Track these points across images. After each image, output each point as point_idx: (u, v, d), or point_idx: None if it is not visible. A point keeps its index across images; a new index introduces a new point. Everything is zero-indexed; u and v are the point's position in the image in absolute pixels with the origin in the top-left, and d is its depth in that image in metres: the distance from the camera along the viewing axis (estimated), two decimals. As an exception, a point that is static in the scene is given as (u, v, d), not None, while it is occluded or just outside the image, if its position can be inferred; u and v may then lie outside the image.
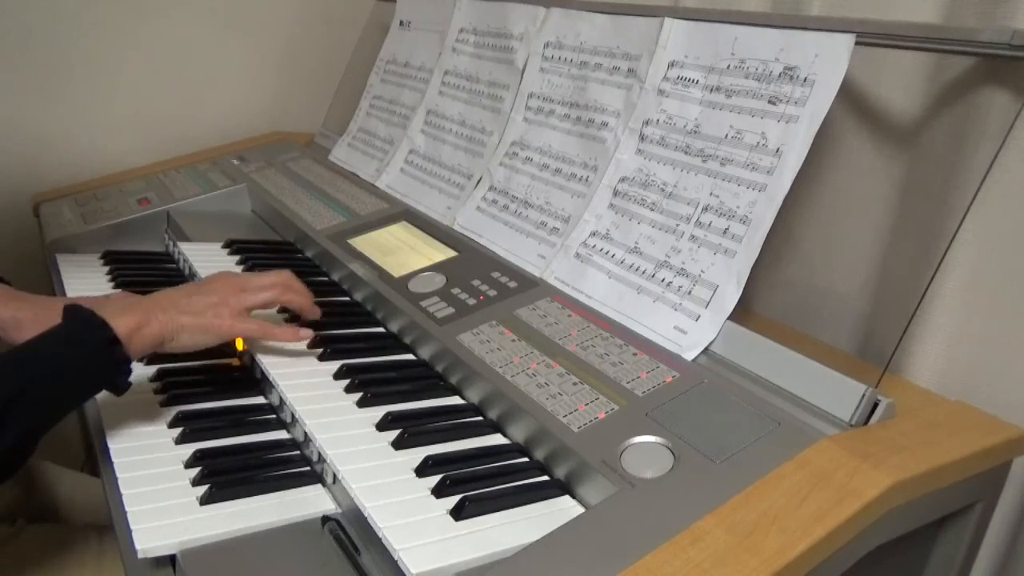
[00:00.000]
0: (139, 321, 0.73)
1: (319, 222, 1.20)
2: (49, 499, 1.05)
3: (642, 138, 0.93)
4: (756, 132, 0.82)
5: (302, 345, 0.88)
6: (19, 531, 0.90)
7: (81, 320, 0.70)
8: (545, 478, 0.70)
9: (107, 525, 0.83)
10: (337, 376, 0.84)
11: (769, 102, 0.82)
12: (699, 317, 0.81)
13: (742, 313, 0.80)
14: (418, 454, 0.71)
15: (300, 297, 0.88)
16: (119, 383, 0.72)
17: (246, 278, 0.85)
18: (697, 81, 0.89)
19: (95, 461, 0.77)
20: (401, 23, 1.43)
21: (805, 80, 0.79)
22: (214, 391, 0.85)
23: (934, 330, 0.84)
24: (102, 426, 0.77)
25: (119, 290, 1.03)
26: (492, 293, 0.93)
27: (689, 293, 0.82)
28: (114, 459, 0.72)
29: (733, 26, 0.87)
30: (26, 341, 0.69)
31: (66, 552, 0.86)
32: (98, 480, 0.75)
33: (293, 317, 0.94)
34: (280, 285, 0.86)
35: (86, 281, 1.11)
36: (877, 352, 0.89)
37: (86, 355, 0.69)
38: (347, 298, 1.05)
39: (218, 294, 0.81)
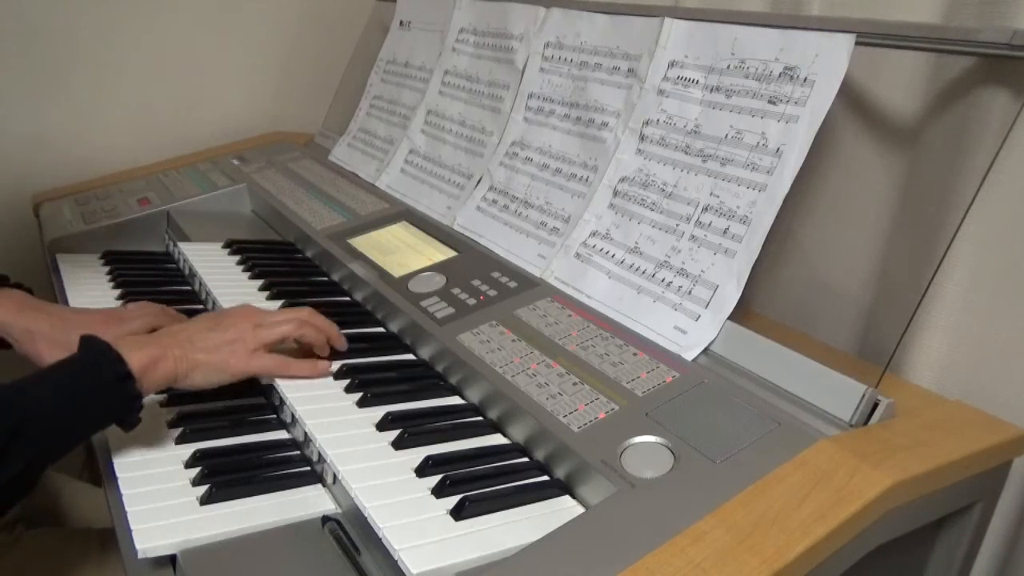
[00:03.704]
0: (154, 356, 0.72)
1: (319, 222, 1.20)
2: (50, 502, 1.04)
3: (642, 138, 0.93)
4: (756, 132, 0.82)
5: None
6: (18, 538, 0.90)
7: (96, 353, 0.69)
8: (545, 478, 0.70)
9: (108, 528, 0.83)
10: (337, 376, 0.84)
11: (769, 102, 0.82)
12: (699, 317, 0.81)
13: (742, 313, 0.80)
14: (418, 454, 0.71)
15: (317, 332, 0.84)
16: (129, 420, 0.71)
17: (264, 313, 0.83)
18: (697, 81, 0.89)
19: (95, 461, 0.77)
20: (401, 23, 1.43)
21: (805, 80, 0.79)
22: (214, 391, 0.85)
23: (934, 330, 0.84)
24: (102, 426, 0.77)
25: (142, 300, 0.97)
26: (492, 293, 0.93)
27: (689, 293, 0.82)
28: (114, 459, 0.72)
29: (733, 26, 0.87)
30: (40, 370, 0.68)
31: (66, 556, 0.86)
32: (99, 489, 0.75)
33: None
34: (296, 320, 0.83)
35: (86, 281, 1.11)
36: (877, 352, 0.89)
37: (98, 389, 0.68)
38: (347, 298, 1.05)
39: (234, 330, 0.79)
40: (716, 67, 0.88)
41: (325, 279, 1.11)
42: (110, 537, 0.69)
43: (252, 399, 0.85)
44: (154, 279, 1.14)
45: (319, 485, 0.73)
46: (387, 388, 0.81)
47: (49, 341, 0.83)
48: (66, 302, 1.04)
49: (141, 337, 0.76)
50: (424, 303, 0.93)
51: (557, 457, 0.70)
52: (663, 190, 0.89)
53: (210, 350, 0.77)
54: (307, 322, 0.84)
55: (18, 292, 0.89)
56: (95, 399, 0.68)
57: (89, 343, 0.70)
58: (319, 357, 0.86)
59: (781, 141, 0.80)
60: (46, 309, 0.87)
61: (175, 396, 0.83)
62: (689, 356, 0.79)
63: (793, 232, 0.98)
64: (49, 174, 1.44)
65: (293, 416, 0.78)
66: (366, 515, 0.63)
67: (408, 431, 0.74)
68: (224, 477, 0.70)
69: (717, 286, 0.81)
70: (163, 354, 0.73)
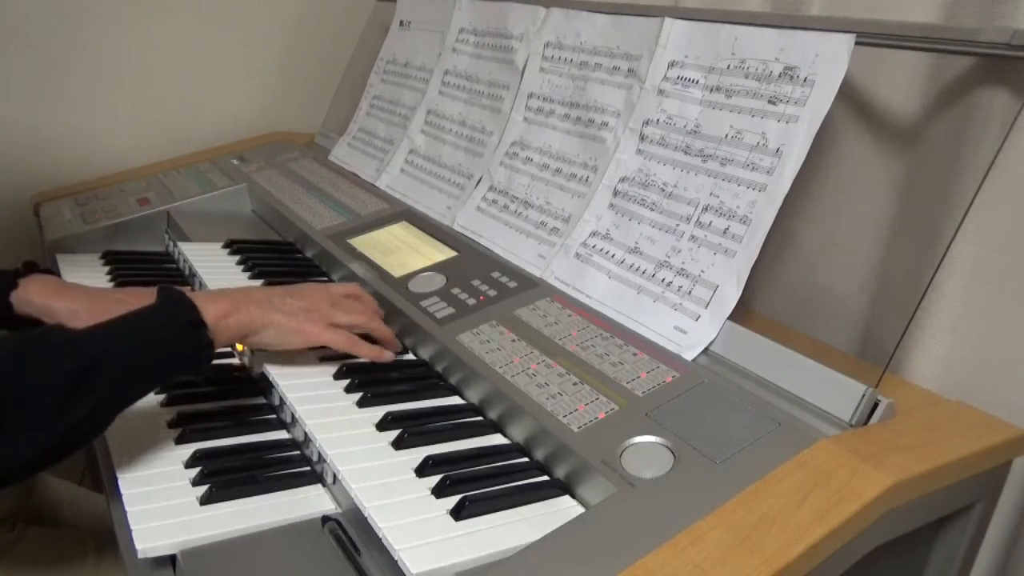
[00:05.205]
0: (228, 309, 0.75)
1: (319, 222, 1.20)
2: (50, 501, 1.04)
3: (642, 138, 0.93)
4: (756, 132, 0.82)
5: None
6: (19, 536, 0.90)
7: (172, 301, 0.72)
8: (545, 478, 0.70)
9: (107, 528, 0.83)
10: (337, 376, 0.84)
11: (769, 102, 0.82)
12: (699, 317, 0.81)
13: (742, 313, 0.80)
14: (418, 454, 0.71)
15: (387, 328, 0.89)
16: (200, 366, 0.73)
17: (336, 294, 0.87)
18: (697, 81, 0.89)
19: (95, 461, 0.77)
20: (401, 23, 1.43)
21: (805, 80, 0.79)
22: (214, 391, 0.85)
23: (934, 330, 0.84)
24: (102, 426, 0.77)
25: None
26: (492, 293, 0.93)
27: (689, 293, 0.82)
28: (114, 459, 0.72)
29: (733, 26, 0.87)
30: (116, 317, 0.69)
31: (65, 556, 0.86)
32: (99, 495, 0.75)
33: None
34: (370, 312, 0.88)
35: (86, 281, 1.10)
36: (877, 352, 0.89)
37: (172, 333, 0.70)
38: (347, 298, 1.05)
39: (310, 300, 0.83)
40: (716, 67, 0.88)
41: (325, 279, 1.11)
42: (110, 537, 0.69)
43: (252, 399, 0.86)
44: (154, 279, 1.14)
45: (319, 485, 0.73)
46: (387, 388, 0.81)
47: (94, 317, 0.84)
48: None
49: (215, 292, 0.80)
50: (424, 303, 0.93)
51: (557, 457, 0.70)
52: (663, 190, 0.89)
53: (287, 313, 0.80)
54: (378, 315, 0.89)
55: (51, 276, 0.91)
56: (169, 343, 0.70)
57: (166, 292, 0.73)
58: None
59: (781, 141, 0.80)
60: (79, 289, 0.89)
61: (175, 396, 0.83)
62: (689, 356, 0.79)
63: (793, 232, 0.98)
64: (49, 174, 1.44)
65: (293, 416, 0.78)
66: (366, 515, 0.63)
67: (408, 431, 0.74)
68: (224, 477, 0.70)
69: (717, 286, 0.81)
70: (237, 309, 0.76)
